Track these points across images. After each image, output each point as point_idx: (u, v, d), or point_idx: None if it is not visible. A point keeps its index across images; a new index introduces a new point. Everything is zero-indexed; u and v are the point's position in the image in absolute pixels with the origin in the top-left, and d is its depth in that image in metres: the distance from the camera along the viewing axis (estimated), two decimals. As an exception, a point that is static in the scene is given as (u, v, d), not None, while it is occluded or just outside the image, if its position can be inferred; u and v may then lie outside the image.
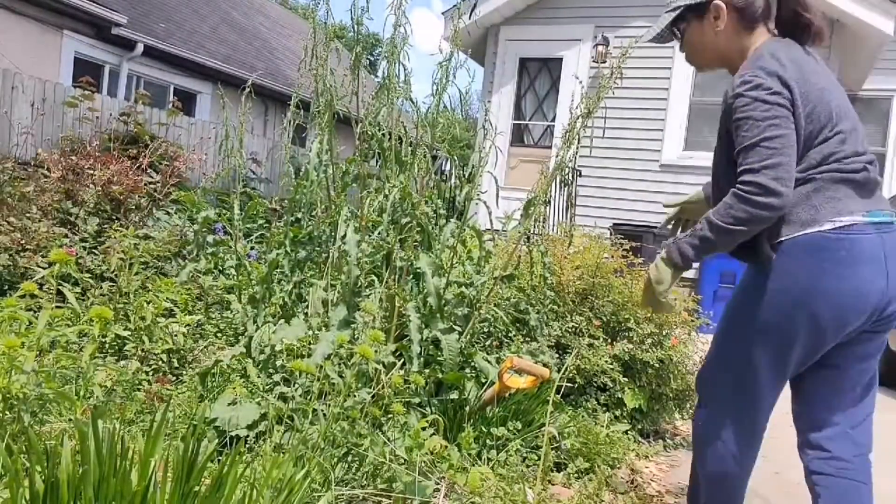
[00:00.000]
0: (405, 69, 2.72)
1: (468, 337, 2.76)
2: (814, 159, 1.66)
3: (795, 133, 1.62)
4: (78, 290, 3.20)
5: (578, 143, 3.10)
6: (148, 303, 3.04)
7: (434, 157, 2.90)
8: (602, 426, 2.83)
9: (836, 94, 1.69)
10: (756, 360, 1.76)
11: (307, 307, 2.63)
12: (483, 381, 2.64)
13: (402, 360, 2.46)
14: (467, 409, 2.50)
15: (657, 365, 3.14)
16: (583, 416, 2.88)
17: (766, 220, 1.61)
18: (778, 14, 1.75)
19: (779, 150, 1.59)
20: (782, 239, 1.66)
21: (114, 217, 4.42)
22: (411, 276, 2.72)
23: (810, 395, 1.97)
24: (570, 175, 7.82)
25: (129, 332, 2.89)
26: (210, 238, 3.21)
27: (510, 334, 3.11)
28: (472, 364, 2.71)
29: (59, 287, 2.17)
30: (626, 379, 3.08)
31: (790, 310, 1.67)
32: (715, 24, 1.77)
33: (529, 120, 8.83)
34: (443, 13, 8.71)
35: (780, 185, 1.58)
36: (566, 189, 7.27)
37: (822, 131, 1.65)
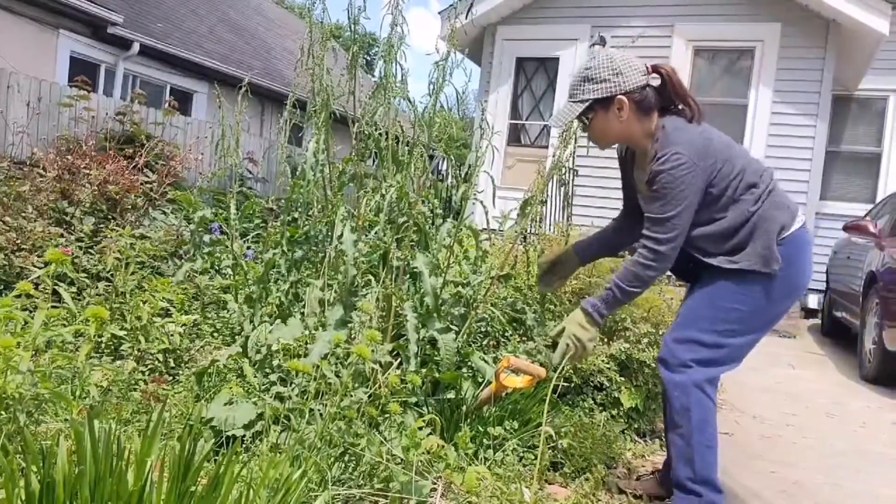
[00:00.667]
0: (402, 69, 2.72)
1: (465, 336, 2.76)
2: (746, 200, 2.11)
3: (705, 193, 2.04)
4: (74, 289, 3.20)
5: (575, 142, 3.10)
6: (144, 302, 3.04)
7: (431, 157, 2.90)
8: (598, 425, 2.83)
9: (732, 149, 2.14)
10: (762, 329, 2.20)
11: (304, 307, 2.63)
12: (480, 380, 2.64)
13: (399, 359, 2.46)
14: (464, 408, 2.50)
15: (654, 364, 3.14)
16: (579, 416, 2.88)
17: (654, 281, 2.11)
18: (666, 98, 2.13)
19: (681, 227, 2.03)
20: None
21: (110, 217, 4.42)
22: (408, 275, 2.72)
23: None
24: (567, 174, 7.81)
25: (126, 332, 2.88)
26: (206, 238, 3.21)
27: (507, 334, 3.11)
28: (469, 364, 2.71)
29: (55, 287, 2.16)
30: (622, 378, 3.09)
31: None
32: (619, 115, 2.11)
33: (526, 119, 8.83)
34: (440, 13, 8.71)
35: (674, 254, 2.06)
36: (563, 188, 7.28)
37: (732, 182, 2.07)
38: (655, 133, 2.09)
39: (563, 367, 2.19)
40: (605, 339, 3.26)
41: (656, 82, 2.11)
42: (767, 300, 2.11)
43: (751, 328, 2.16)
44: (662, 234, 2.03)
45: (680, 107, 2.13)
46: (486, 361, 2.69)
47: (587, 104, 2.11)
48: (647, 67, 2.11)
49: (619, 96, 2.08)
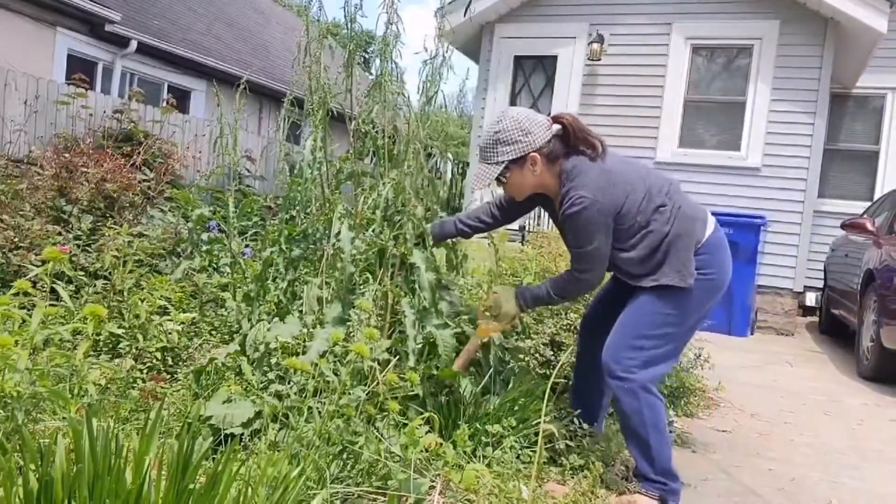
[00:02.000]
0: (398, 66, 2.72)
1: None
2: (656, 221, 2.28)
3: (617, 223, 2.23)
4: (72, 287, 3.19)
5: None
6: (142, 301, 3.03)
7: (429, 155, 2.90)
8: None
9: (632, 178, 2.28)
10: (695, 326, 2.42)
11: (302, 305, 2.62)
12: (472, 372, 2.64)
13: (398, 357, 2.46)
14: (462, 406, 2.50)
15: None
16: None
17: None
18: (569, 144, 2.28)
19: (597, 258, 2.27)
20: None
21: (108, 215, 4.41)
22: (405, 272, 2.72)
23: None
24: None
25: (124, 331, 2.88)
26: (204, 236, 3.21)
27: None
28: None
29: (53, 285, 2.16)
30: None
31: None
32: (532, 169, 2.29)
33: (524, 117, 8.83)
34: (436, 12, 8.68)
35: (597, 280, 2.34)
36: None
37: (640, 208, 2.25)
38: (561, 176, 2.27)
39: (560, 365, 2.26)
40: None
41: (559, 131, 2.29)
42: (694, 303, 2.32)
43: (684, 329, 2.36)
44: (582, 266, 2.31)
45: (581, 148, 2.28)
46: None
47: (504, 165, 2.27)
48: (549, 120, 2.30)
49: (532, 154, 2.26)
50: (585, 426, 2.68)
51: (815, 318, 8.58)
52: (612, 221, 2.22)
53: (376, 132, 2.72)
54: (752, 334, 6.98)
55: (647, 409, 2.27)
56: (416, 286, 2.60)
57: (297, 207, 2.90)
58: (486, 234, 2.89)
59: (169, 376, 2.77)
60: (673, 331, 2.31)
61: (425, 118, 2.72)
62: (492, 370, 2.65)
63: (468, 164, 8.53)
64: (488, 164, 2.29)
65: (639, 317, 2.33)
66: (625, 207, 2.22)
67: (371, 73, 16.08)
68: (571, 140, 2.27)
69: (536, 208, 2.67)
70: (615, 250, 2.28)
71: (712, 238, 2.35)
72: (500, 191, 2.52)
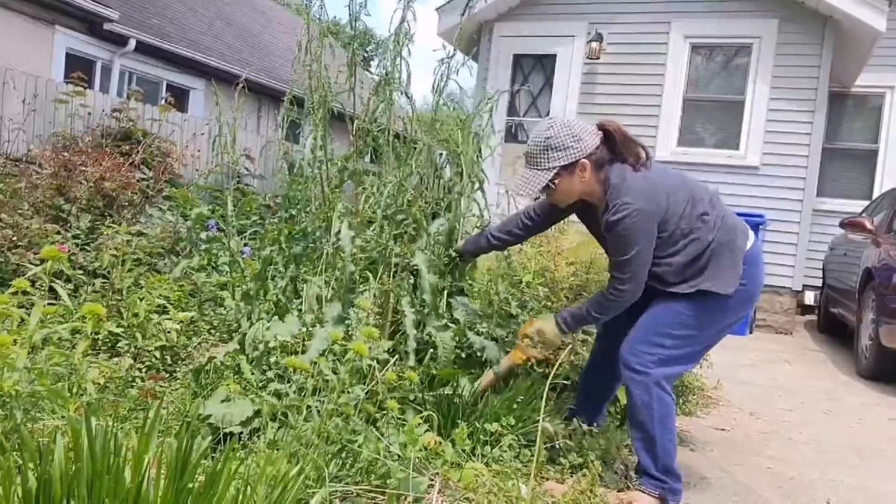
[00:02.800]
0: (407, 65, 2.71)
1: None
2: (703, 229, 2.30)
3: (660, 231, 2.23)
4: (70, 286, 3.19)
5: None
6: (141, 300, 3.03)
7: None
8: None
9: (682, 186, 2.31)
10: (717, 335, 2.42)
11: (301, 304, 2.62)
12: (478, 374, 2.64)
13: (397, 356, 2.46)
14: (461, 405, 2.50)
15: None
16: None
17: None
18: (615, 151, 2.29)
19: (640, 267, 2.23)
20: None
21: (106, 213, 4.41)
22: (405, 272, 2.72)
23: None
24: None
25: (122, 329, 2.88)
26: (203, 234, 3.21)
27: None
28: (469, 343, 2.72)
29: (52, 284, 2.16)
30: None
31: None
32: (581, 176, 2.27)
33: (523, 116, 8.83)
34: (437, 9, 8.68)
35: (638, 290, 2.28)
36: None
37: (683, 216, 2.26)
38: (606, 184, 2.27)
39: (559, 364, 2.29)
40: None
41: (602, 138, 2.29)
42: (724, 313, 2.35)
43: (708, 336, 2.38)
44: (624, 275, 2.26)
45: (626, 156, 2.29)
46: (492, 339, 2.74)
47: (555, 171, 2.25)
48: (595, 127, 2.30)
49: (582, 160, 2.24)
50: (585, 425, 2.68)
51: (814, 317, 8.59)
52: (655, 229, 2.23)
53: (380, 130, 2.72)
54: (750, 333, 6.99)
55: (658, 405, 2.28)
56: (417, 287, 2.60)
57: (297, 206, 2.90)
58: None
59: (168, 375, 2.77)
60: (695, 333, 2.33)
61: (432, 118, 2.72)
62: (489, 369, 2.65)
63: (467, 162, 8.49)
64: (538, 169, 2.26)
65: (664, 316, 2.34)
66: (668, 214, 2.23)
67: (370, 72, 16.06)
68: (618, 147, 2.27)
69: None
70: (655, 258, 2.27)
71: (752, 252, 2.38)
72: (525, 201, 2.50)
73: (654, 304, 2.37)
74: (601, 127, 2.29)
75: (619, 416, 3.05)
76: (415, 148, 2.74)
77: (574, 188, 2.31)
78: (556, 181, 2.27)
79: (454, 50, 2.73)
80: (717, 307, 2.31)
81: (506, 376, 2.64)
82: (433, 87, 2.73)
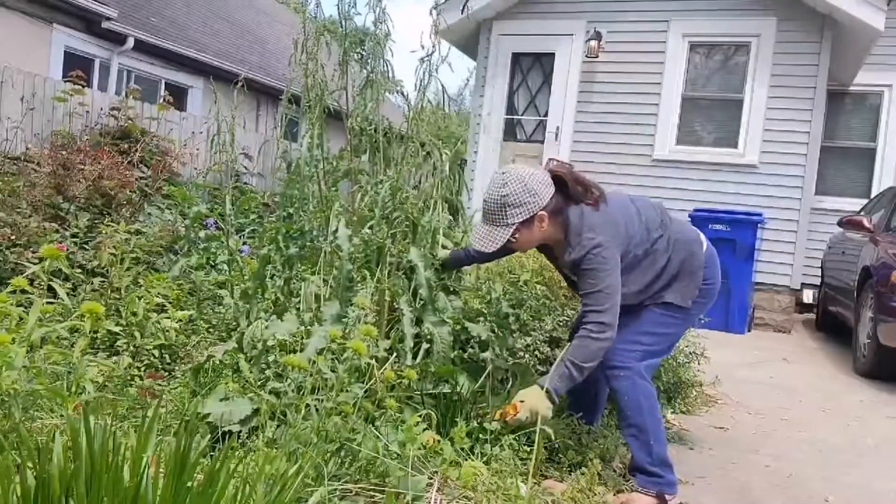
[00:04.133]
0: (389, 65, 2.72)
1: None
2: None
3: (623, 259, 2.31)
4: (69, 285, 3.19)
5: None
6: (139, 298, 3.03)
7: (428, 154, 2.90)
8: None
9: (636, 213, 2.41)
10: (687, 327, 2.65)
11: (299, 302, 2.62)
12: (477, 374, 2.64)
13: (395, 354, 2.46)
14: (459, 403, 2.50)
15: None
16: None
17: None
18: (568, 195, 2.33)
19: (614, 293, 2.26)
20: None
21: (105, 212, 4.40)
22: (402, 270, 2.72)
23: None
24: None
25: (121, 328, 2.88)
26: (202, 233, 3.20)
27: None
28: (471, 337, 2.72)
29: (50, 282, 2.16)
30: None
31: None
32: (540, 226, 2.31)
33: (522, 115, 8.82)
34: (432, 9, 8.66)
35: (615, 319, 2.26)
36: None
37: (641, 241, 2.38)
38: (565, 225, 2.33)
39: (558, 363, 2.29)
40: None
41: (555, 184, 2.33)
42: (694, 308, 2.51)
43: (682, 330, 2.59)
44: (601, 305, 2.26)
45: (581, 197, 2.33)
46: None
47: (514, 227, 2.28)
48: (547, 173, 2.33)
49: (539, 213, 2.28)
50: (584, 424, 2.69)
51: (813, 316, 8.59)
52: (619, 258, 2.30)
53: (373, 129, 2.72)
54: (749, 331, 6.99)
55: (644, 398, 2.38)
56: (415, 284, 2.60)
57: (295, 205, 2.90)
58: None
59: (166, 374, 2.77)
60: (674, 331, 2.53)
61: (423, 116, 2.71)
62: (490, 368, 2.65)
63: (465, 161, 8.51)
64: (496, 226, 2.30)
65: (641, 320, 2.45)
66: (630, 243, 2.34)
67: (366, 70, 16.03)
68: (571, 192, 2.32)
69: None
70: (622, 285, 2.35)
71: (708, 253, 2.54)
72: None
73: (628, 313, 2.42)
74: (553, 174, 2.33)
75: (618, 416, 3.05)
76: (407, 146, 2.74)
77: (534, 238, 2.37)
78: (515, 235, 2.31)
79: (433, 46, 2.72)
80: (684, 311, 2.49)
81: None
82: (415, 85, 2.74)
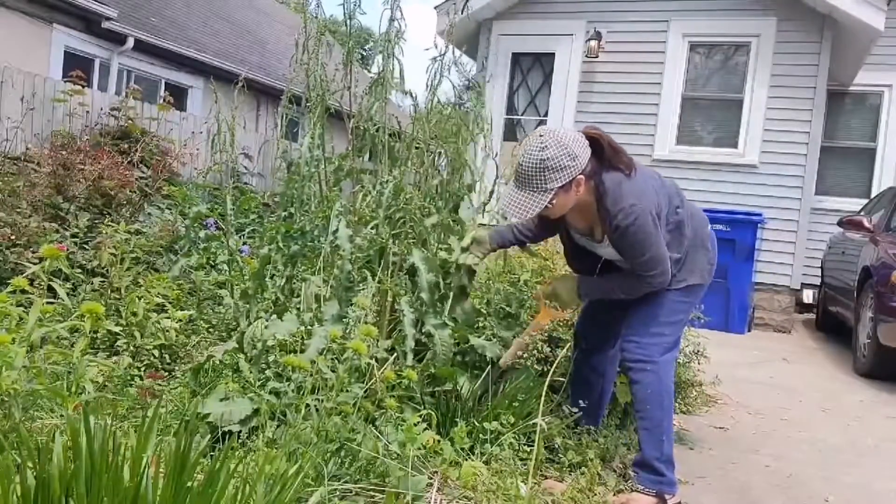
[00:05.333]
0: (399, 64, 2.71)
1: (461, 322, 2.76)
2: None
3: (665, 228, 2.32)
4: (69, 285, 3.19)
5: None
6: (140, 298, 3.03)
7: (432, 153, 2.90)
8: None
9: (661, 183, 2.38)
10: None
11: (300, 302, 2.62)
12: (477, 373, 2.64)
13: (395, 354, 2.46)
14: (459, 403, 2.50)
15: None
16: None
17: None
18: (602, 158, 2.25)
19: (663, 258, 2.28)
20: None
21: (105, 212, 4.40)
22: (404, 271, 2.72)
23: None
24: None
25: (121, 328, 2.88)
26: (202, 233, 3.20)
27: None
28: (470, 346, 2.72)
29: (50, 282, 2.16)
30: (618, 370, 3.09)
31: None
32: (577, 191, 2.23)
33: (522, 115, 8.82)
34: (435, 8, 8.67)
35: (666, 280, 2.33)
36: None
37: (669, 210, 2.36)
38: (599, 192, 2.25)
39: (557, 362, 2.31)
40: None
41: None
42: (701, 293, 2.53)
43: (688, 314, 2.57)
44: (652, 271, 2.29)
45: (615, 164, 2.26)
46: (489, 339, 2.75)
47: (553, 193, 2.17)
48: (583, 135, 2.23)
49: (578, 177, 2.18)
50: (583, 424, 2.69)
51: (812, 316, 8.60)
52: (660, 229, 2.29)
53: (377, 129, 2.71)
54: (749, 331, 6.99)
55: (666, 395, 2.38)
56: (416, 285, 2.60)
57: (295, 204, 2.90)
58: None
59: (166, 374, 2.77)
60: (684, 318, 2.52)
61: (429, 116, 2.71)
62: (489, 368, 2.65)
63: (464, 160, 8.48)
64: (534, 192, 2.16)
65: (659, 308, 2.41)
66: (662, 211, 2.30)
67: (369, 71, 16.04)
68: (605, 155, 2.23)
69: None
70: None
71: (711, 233, 2.57)
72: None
73: (641, 300, 2.42)
74: (588, 136, 2.23)
75: (618, 416, 3.05)
76: (414, 147, 2.74)
77: (569, 203, 2.26)
78: (553, 201, 2.19)
79: (446, 47, 2.72)
80: (698, 291, 2.49)
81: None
82: (426, 85, 2.73)
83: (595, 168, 2.22)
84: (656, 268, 2.27)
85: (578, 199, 2.25)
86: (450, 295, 2.75)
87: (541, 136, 2.17)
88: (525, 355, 2.97)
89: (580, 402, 2.69)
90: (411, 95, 2.78)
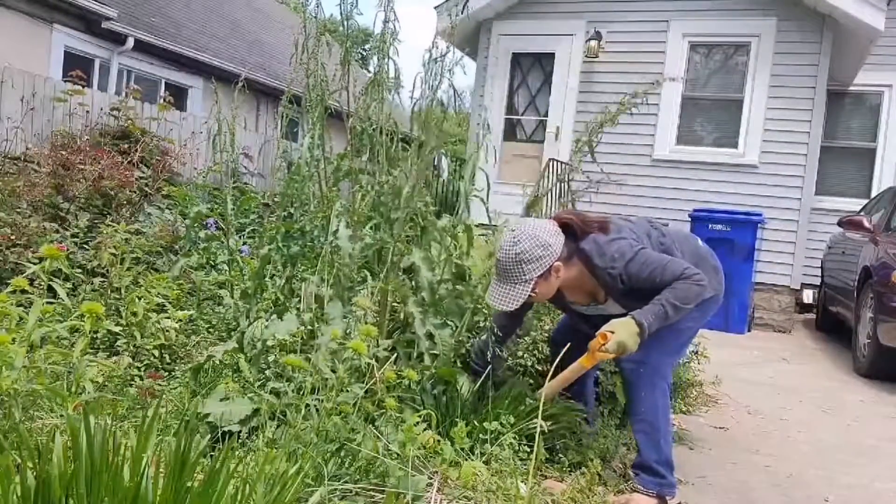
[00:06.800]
0: (395, 64, 2.71)
1: (464, 331, 2.76)
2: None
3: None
4: (69, 285, 3.19)
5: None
6: (140, 298, 3.03)
7: (430, 153, 2.89)
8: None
9: (633, 224, 2.50)
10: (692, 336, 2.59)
11: (299, 302, 2.62)
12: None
13: (395, 354, 2.46)
14: (459, 403, 2.50)
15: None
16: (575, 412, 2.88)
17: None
18: (577, 237, 2.36)
19: (679, 260, 2.34)
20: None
21: (105, 212, 4.40)
22: (404, 271, 2.72)
23: None
24: (566, 173, 7.81)
25: (121, 328, 2.88)
26: (202, 233, 3.20)
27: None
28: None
29: (50, 282, 2.16)
30: (617, 370, 3.09)
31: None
32: (557, 275, 2.33)
33: (522, 115, 8.82)
34: (435, 8, 8.67)
35: (699, 271, 2.31)
36: (561, 185, 7.26)
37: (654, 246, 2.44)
38: (585, 261, 2.36)
39: (557, 362, 2.32)
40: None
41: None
42: (714, 305, 2.52)
43: (698, 323, 2.52)
44: (684, 271, 2.27)
45: (589, 233, 2.38)
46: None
47: (533, 283, 2.29)
48: (554, 224, 2.36)
49: (555, 264, 2.30)
50: (584, 424, 2.69)
51: (812, 316, 8.60)
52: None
53: (374, 129, 2.71)
54: (749, 331, 6.99)
55: (660, 396, 2.37)
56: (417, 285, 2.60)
57: (295, 204, 2.90)
58: (487, 231, 2.88)
59: (166, 374, 2.77)
60: (692, 325, 2.48)
61: (425, 116, 2.71)
62: (489, 369, 2.65)
63: (464, 161, 8.50)
64: (515, 284, 2.29)
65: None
66: (646, 243, 2.40)
67: (368, 71, 16.06)
68: (579, 234, 2.36)
69: None
70: (645, 290, 2.31)
71: (706, 246, 2.60)
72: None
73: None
74: (559, 221, 2.37)
75: (616, 413, 3.05)
76: (410, 147, 2.74)
77: (552, 287, 2.37)
78: (535, 290, 2.31)
79: (447, 48, 2.72)
80: (711, 305, 2.49)
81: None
82: (425, 85, 2.72)
83: (572, 248, 2.35)
84: (683, 268, 2.28)
85: (567, 280, 2.38)
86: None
87: (513, 230, 2.35)
88: (525, 355, 2.97)
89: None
90: (410, 95, 2.78)
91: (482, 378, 2.59)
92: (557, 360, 2.35)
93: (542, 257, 2.28)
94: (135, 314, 2.93)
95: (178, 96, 11.37)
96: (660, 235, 2.47)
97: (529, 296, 2.31)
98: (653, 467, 2.35)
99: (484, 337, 2.69)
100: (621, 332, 2.22)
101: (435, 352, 2.51)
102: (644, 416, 2.37)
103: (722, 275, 2.54)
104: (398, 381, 2.39)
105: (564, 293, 2.50)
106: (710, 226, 6.72)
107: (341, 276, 2.52)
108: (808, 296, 8.57)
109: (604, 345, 2.23)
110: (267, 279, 2.86)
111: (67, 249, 3.48)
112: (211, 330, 3.21)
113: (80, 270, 3.41)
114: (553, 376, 2.42)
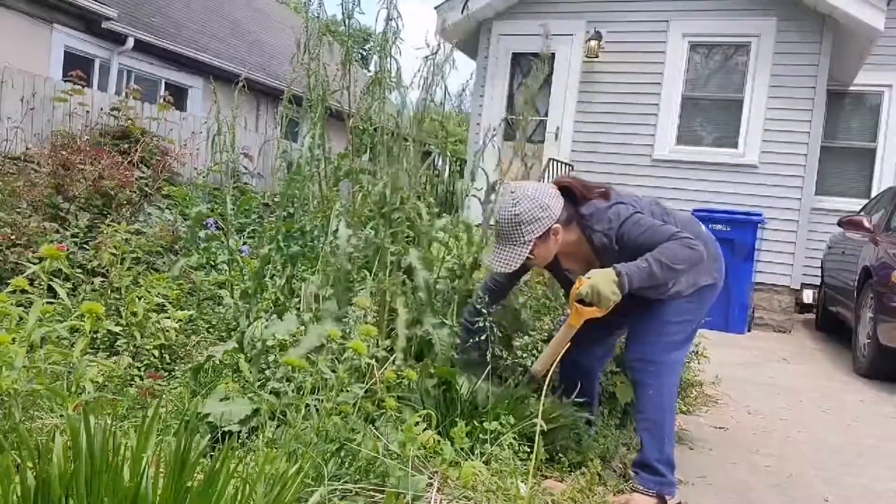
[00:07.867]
0: (396, 63, 2.71)
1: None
2: None
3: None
4: (69, 285, 3.18)
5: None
6: (140, 298, 3.03)
7: (428, 153, 2.90)
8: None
9: (637, 198, 2.46)
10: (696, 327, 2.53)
11: (299, 302, 2.62)
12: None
13: (395, 354, 2.46)
14: (459, 403, 2.50)
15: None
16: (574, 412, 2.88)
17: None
18: (577, 201, 2.37)
19: (675, 229, 2.27)
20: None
21: (105, 212, 4.40)
22: (401, 270, 2.72)
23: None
24: (566, 172, 7.82)
25: (121, 328, 2.88)
26: (202, 233, 3.20)
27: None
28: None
29: (50, 282, 2.16)
30: (618, 369, 3.09)
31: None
32: (555, 238, 2.34)
33: (521, 115, 8.82)
34: (436, 7, 8.67)
35: (694, 238, 2.27)
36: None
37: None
38: (582, 225, 2.36)
39: (556, 361, 2.33)
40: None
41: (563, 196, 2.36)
42: (713, 293, 2.48)
43: (698, 315, 2.47)
44: (676, 232, 2.23)
45: (591, 198, 2.37)
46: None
47: (531, 244, 2.30)
48: (554, 187, 2.36)
49: (553, 226, 2.31)
50: (584, 424, 2.69)
51: (812, 316, 8.60)
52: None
53: (374, 129, 2.71)
54: (749, 331, 6.99)
55: (667, 395, 2.39)
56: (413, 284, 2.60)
57: (295, 204, 2.90)
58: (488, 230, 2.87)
59: (166, 374, 2.77)
60: (692, 318, 2.46)
61: (424, 115, 2.71)
62: (488, 368, 2.65)
63: (465, 161, 8.51)
64: (513, 245, 2.30)
65: (665, 307, 2.40)
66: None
67: (368, 71, 16.05)
68: (579, 199, 2.36)
69: None
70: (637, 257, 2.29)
71: (709, 232, 2.55)
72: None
73: (648, 307, 2.42)
74: (560, 185, 2.37)
75: (618, 416, 3.05)
76: (407, 147, 2.74)
77: (550, 251, 2.37)
78: (533, 252, 2.32)
79: (438, 45, 2.71)
80: (709, 293, 2.45)
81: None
82: (421, 84, 2.72)
83: (571, 212, 2.35)
84: (675, 230, 2.24)
85: (565, 245, 2.37)
86: (455, 299, 2.75)
87: (512, 192, 2.33)
88: (525, 355, 2.97)
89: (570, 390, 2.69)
90: (402, 95, 2.78)
91: (481, 378, 2.59)
92: (553, 340, 2.37)
93: (540, 219, 2.28)
94: (135, 314, 2.93)
95: (178, 96, 11.38)
96: (663, 213, 2.45)
97: (528, 258, 2.32)
98: (654, 466, 2.35)
99: (481, 293, 2.64)
100: (597, 277, 2.20)
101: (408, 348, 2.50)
102: (650, 415, 2.38)
103: (722, 263, 2.51)
104: (398, 380, 2.39)
105: (561, 260, 2.49)
106: (709, 226, 6.66)
107: (340, 277, 2.52)
108: (808, 296, 8.57)
109: (578, 288, 2.24)
110: (267, 279, 2.86)
111: (67, 249, 3.48)
112: (211, 330, 3.21)
113: (80, 270, 3.41)
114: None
